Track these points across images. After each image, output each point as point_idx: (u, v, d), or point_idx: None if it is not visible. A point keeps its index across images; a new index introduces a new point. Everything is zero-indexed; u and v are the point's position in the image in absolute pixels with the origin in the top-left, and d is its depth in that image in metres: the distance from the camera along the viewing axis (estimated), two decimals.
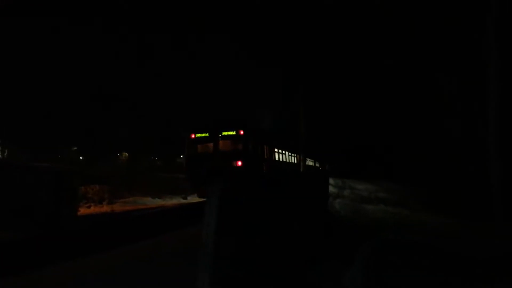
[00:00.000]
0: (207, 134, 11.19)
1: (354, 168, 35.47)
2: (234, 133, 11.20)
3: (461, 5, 14.97)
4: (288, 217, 5.18)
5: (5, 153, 31.23)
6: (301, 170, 19.17)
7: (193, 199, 18.23)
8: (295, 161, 17.63)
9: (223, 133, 10.99)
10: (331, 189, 18.68)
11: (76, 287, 5.50)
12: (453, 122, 18.03)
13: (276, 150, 13.17)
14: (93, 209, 14.68)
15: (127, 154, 42.21)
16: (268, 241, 4.28)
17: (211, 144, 10.88)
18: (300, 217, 6.07)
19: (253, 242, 3.84)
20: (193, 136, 11.76)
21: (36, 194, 9.58)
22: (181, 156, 48.48)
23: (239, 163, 11.02)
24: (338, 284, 3.53)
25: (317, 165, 35.67)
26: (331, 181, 21.18)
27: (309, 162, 26.11)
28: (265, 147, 12.19)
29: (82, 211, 13.84)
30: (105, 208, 14.99)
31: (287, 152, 14.63)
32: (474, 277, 4.84)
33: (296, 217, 5.75)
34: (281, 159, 14.10)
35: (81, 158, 35.65)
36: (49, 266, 6.24)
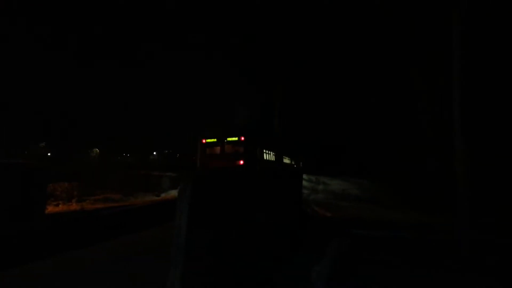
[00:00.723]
0: (215, 140, 13.48)
1: (326, 165, 36.14)
2: (236, 139, 13.71)
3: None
4: (261, 212, 5.23)
5: None
6: (278, 168, 19.84)
7: (166, 196, 18.06)
8: (277, 159, 19.80)
9: (228, 139, 13.49)
10: (305, 184, 18.99)
11: (48, 285, 5.37)
12: (422, 121, 18.58)
13: (265, 151, 15.81)
14: (62, 207, 14.25)
15: (98, 150, 41.23)
16: (241, 236, 4.31)
17: (218, 147, 12.94)
18: (273, 213, 6.13)
19: (225, 237, 3.86)
20: (204, 141, 14.14)
21: (1, 191, 9.22)
22: (154, 153, 47.91)
23: (241, 162, 13.30)
24: (307, 280, 3.61)
25: (293, 162, 36.21)
26: (305, 177, 21.51)
27: (285, 160, 26.90)
28: (257, 149, 14.67)
29: (50, 209, 13.41)
30: (75, 206, 14.59)
31: (271, 152, 17.47)
32: (437, 268, 5.05)
33: (269, 213, 5.80)
34: (268, 159, 16.90)
35: (49, 154, 34.52)
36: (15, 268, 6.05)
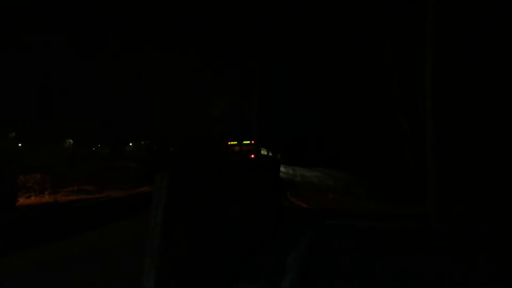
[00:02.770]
0: (236, 142, 20.92)
1: (304, 157, 36.65)
2: (249, 142, 22.60)
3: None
4: (236, 203, 5.32)
5: None
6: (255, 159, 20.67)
7: (143, 189, 17.87)
8: (266, 153, 28.11)
9: (244, 142, 21.72)
10: (283, 176, 19.21)
11: (19, 279, 5.31)
12: (396, 114, 19.02)
13: (261, 148, 23.18)
14: (34, 199, 13.96)
15: (71, 141, 40.28)
16: (216, 227, 4.39)
17: (238, 147, 19.92)
18: (249, 204, 6.23)
19: (200, 228, 3.92)
20: (229, 143, 22.91)
21: None
22: (130, 144, 47.18)
23: (253, 156, 21.08)
24: (281, 271, 3.74)
25: (270, 154, 36.67)
26: (283, 169, 21.73)
27: (263, 151, 28.86)
28: (259, 147, 21.95)
29: (22, 201, 13.13)
30: (47, 198, 14.31)
31: (264, 149, 25.50)
32: (405, 256, 5.28)
33: (245, 203, 5.90)
34: (263, 153, 24.66)
35: (20, 145, 33.49)
36: None
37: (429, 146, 8.25)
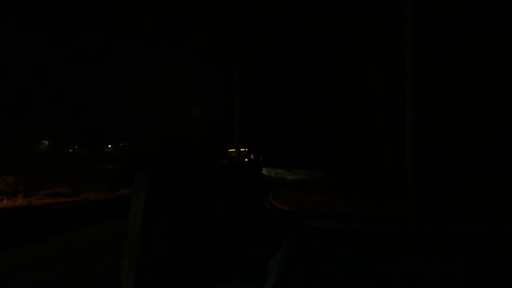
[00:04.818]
0: (234, 150, 22.06)
1: (285, 158, 37.06)
2: (244, 149, 27.48)
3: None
4: (217, 204, 5.29)
5: None
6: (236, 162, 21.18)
7: (121, 191, 17.55)
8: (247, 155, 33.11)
9: (241, 149, 22.62)
10: (265, 179, 19.25)
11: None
12: (375, 114, 19.31)
13: (251, 153, 31.78)
14: (6, 203, 13.49)
15: (47, 142, 39.24)
16: (198, 229, 4.35)
17: (235, 153, 21.21)
18: (231, 205, 6.21)
19: (182, 230, 3.88)
20: (229, 150, 25.58)
21: None
22: (109, 146, 46.40)
23: (247, 160, 28.11)
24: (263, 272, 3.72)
25: (252, 156, 37.30)
26: (264, 171, 21.80)
27: (244, 154, 31.25)
28: (251, 153, 30.45)
29: None
30: (21, 201, 13.86)
31: (251, 153, 33.26)
32: (386, 256, 5.35)
33: (226, 204, 5.87)
34: (252, 157, 32.84)
35: None
36: None
37: (409, 141, 8.39)
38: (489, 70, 15.54)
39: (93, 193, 16.95)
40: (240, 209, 7.07)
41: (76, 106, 32.05)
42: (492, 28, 15.24)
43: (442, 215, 10.76)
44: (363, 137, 20.19)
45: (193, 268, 4.15)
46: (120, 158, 30.53)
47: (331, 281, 5.03)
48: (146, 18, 27.35)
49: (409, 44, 8.49)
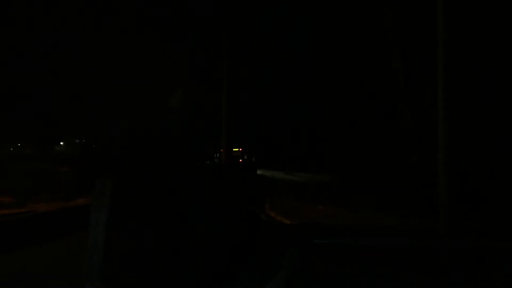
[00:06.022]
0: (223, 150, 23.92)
1: (284, 159, 37.39)
2: (237, 149, 33.99)
3: None
4: (199, 215, 5.32)
5: None
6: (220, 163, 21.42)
7: (78, 200, 17.47)
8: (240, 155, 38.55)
9: (233, 149, 26.92)
10: (259, 183, 19.31)
11: None
12: (400, 107, 19.38)
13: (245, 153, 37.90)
14: None
15: None
16: (173, 245, 4.37)
17: (226, 153, 22.26)
18: (218, 217, 6.23)
19: (152, 247, 3.90)
20: (222, 150, 24.00)
21: None
22: (61, 143, 46.11)
23: (240, 160, 35.42)
24: None
25: (245, 157, 38.61)
26: (259, 174, 21.89)
27: (237, 154, 36.99)
28: (245, 153, 36.44)
29: None
30: None
31: (245, 154, 39.02)
32: (409, 280, 5.42)
33: (213, 217, 5.90)
34: (245, 158, 38.71)
35: None
36: None
37: (441, 142, 8.48)
38: None
39: (42, 203, 16.88)
40: (228, 222, 7.10)
41: (18, 94, 31.78)
42: None
43: (479, 230, 10.89)
44: (381, 134, 20.26)
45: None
46: (76, 158, 30.42)
47: None
48: None
49: (441, 19, 8.58)
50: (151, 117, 33.32)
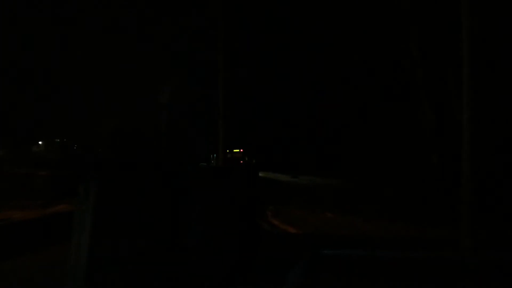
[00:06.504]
0: (228, 151, 25.26)
1: (287, 161, 37.71)
2: (238, 150, 39.91)
3: None
4: (195, 225, 5.31)
5: None
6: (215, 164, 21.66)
7: (59, 207, 17.47)
8: (241, 157, 42.09)
9: (234, 150, 35.70)
10: (261, 187, 19.30)
11: None
12: (419, 104, 19.30)
13: (246, 155, 41.49)
14: None
15: None
16: (164, 258, 4.36)
17: (230, 154, 25.98)
18: (213, 226, 6.22)
19: (142, 258, 3.90)
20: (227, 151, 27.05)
21: None
22: (40, 143, 46.08)
23: (241, 161, 39.32)
24: None
25: (247, 158, 40.76)
26: (261, 176, 21.86)
27: (238, 155, 41.09)
28: (246, 155, 40.74)
29: None
30: None
31: (246, 155, 42.07)
32: None
33: (207, 225, 5.88)
34: (246, 159, 41.87)
35: None
36: None
37: (466, 143, 8.45)
38: None
39: (18, 210, 16.87)
40: (225, 231, 7.09)
41: None
42: None
43: (507, 241, 10.85)
44: (397, 132, 20.22)
45: None
46: (56, 160, 30.39)
47: None
48: None
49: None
50: (139, 115, 33.38)
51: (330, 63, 25.43)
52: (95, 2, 27.88)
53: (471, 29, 8.59)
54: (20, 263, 8.91)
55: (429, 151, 18.38)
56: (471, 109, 8.54)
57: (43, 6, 29.27)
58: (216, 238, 6.67)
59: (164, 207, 4.55)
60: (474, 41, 8.60)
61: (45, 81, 32.63)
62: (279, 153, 41.14)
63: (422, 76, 18.65)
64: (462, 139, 8.73)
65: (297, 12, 25.01)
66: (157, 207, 4.34)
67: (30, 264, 8.80)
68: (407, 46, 19.18)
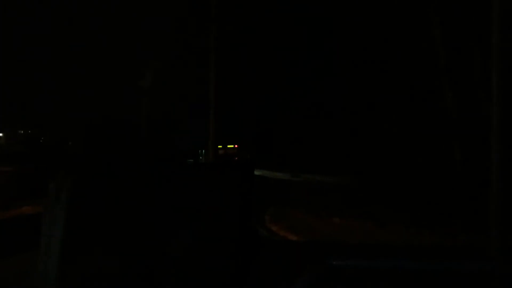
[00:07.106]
0: (221, 146, 27.58)
1: (287, 157, 37.82)
2: (233, 146, 42.07)
3: None
4: (180, 231, 5.29)
5: None
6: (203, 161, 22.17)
7: (23, 209, 17.41)
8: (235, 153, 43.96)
9: (228, 146, 37.92)
10: (259, 189, 19.28)
11: None
12: (440, 90, 19.24)
13: (242, 150, 42.83)
14: None
15: None
16: (145, 267, 4.34)
17: (223, 151, 29.39)
18: (201, 233, 6.20)
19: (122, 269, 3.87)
20: (221, 146, 28.09)
21: None
22: (0, 134, 46.05)
23: (236, 158, 39.80)
24: None
25: (242, 154, 42.28)
26: (258, 174, 21.87)
27: (232, 151, 43.45)
28: (242, 151, 42.29)
29: None
30: None
31: (242, 151, 43.76)
32: None
33: (194, 232, 5.87)
34: (242, 155, 42.67)
35: None
36: None
37: (494, 136, 8.42)
38: None
39: None
40: (214, 239, 7.07)
41: None
42: None
43: None
44: (415, 124, 20.18)
45: None
46: (21, 154, 30.39)
47: None
48: None
49: None
50: (117, 104, 33.31)
51: (338, 51, 25.55)
52: None
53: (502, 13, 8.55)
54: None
55: (451, 145, 18.28)
56: (503, 100, 8.50)
57: None
58: (204, 247, 6.63)
59: (144, 209, 4.53)
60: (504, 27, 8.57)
61: (6, 65, 32.59)
62: (280, 149, 41.14)
63: (445, 56, 18.54)
64: (490, 132, 8.71)
65: None
66: (135, 209, 4.31)
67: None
68: (428, 29, 19.14)
